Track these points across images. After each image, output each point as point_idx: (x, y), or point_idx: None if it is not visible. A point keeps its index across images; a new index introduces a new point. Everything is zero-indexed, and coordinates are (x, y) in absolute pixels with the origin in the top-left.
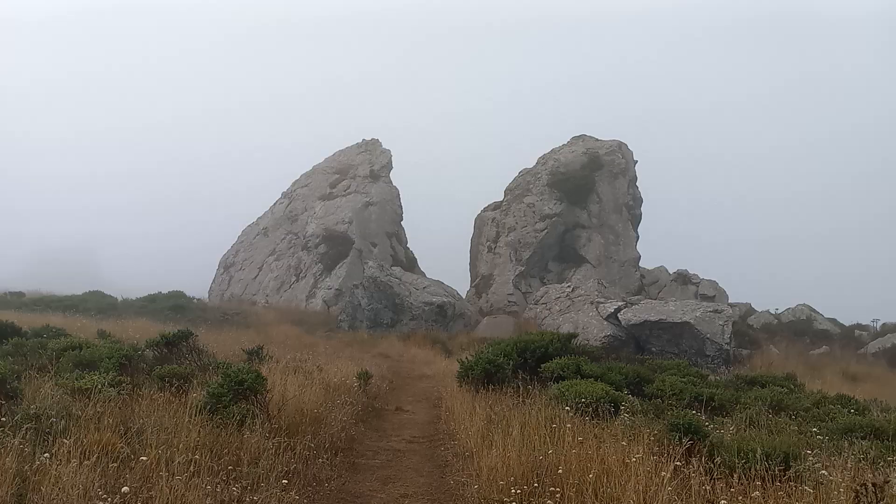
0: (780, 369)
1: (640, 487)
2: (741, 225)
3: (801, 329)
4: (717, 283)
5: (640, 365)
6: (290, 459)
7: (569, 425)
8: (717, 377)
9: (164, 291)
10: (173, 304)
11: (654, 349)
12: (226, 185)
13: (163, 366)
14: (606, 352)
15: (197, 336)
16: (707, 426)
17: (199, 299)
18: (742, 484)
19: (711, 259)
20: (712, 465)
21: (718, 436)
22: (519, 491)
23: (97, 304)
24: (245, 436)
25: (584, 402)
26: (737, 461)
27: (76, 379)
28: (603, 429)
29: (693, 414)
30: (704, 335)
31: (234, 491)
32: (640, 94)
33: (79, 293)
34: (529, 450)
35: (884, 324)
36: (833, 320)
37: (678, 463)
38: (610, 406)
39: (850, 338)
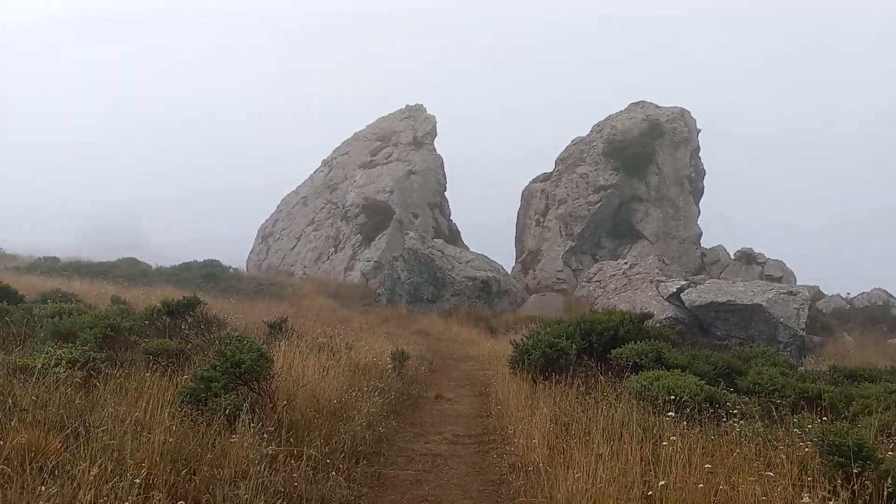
0: (857, 359)
1: None
2: (802, 203)
3: (877, 315)
4: (785, 264)
5: (726, 353)
6: (294, 472)
7: (673, 437)
8: (805, 368)
9: (201, 260)
10: (206, 272)
11: (719, 333)
12: (277, 147)
13: (154, 339)
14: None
15: (206, 304)
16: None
17: (234, 269)
18: None
19: (772, 239)
20: None
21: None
22: None
23: (128, 270)
24: (233, 439)
25: (674, 401)
26: None
27: (27, 355)
28: (717, 442)
29: (845, 426)
30: (777, 319)
31: None
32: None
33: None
34: (624, 475)
35: None
36: None
37: None
38: (708, 406)
39: None
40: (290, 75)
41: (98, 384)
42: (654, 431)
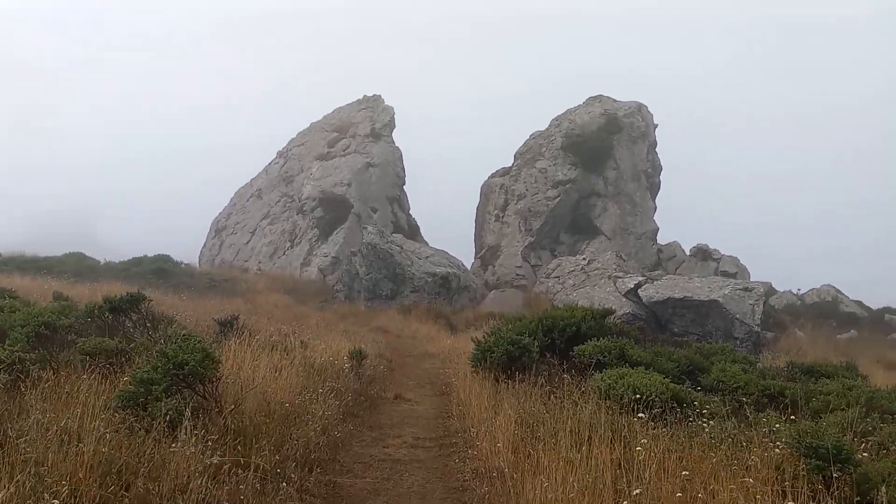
0: (809, 354)
1: None
2: (753, 201)
3: (827, 311)
4: (739, 260)
5: (688, 350)
6: (240, 484)
7: (644, 440)
8: (763, 364)
9: (152, 255)
10: (157, 267)
11: (675, 329)
12: (229, 139)
13: (91, 339)
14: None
15: (151, 301)
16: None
17: (186, 264)
18: None
19: (724, 235)
20: None
21: (874, 465)
22: None
23: (75, 266)
24: (173, 448)
25: (640, 400)
26: None
27: None
28: (688, 445)
29: (821, 427)
30: (733, 315)
31: None
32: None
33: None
34: (595, 482)
35: None
36: (859, 303)
37: None
38: (674, 405)
39: (878, 322)
40: (246, 64)
41: (26, 388)
42: (624, 434)
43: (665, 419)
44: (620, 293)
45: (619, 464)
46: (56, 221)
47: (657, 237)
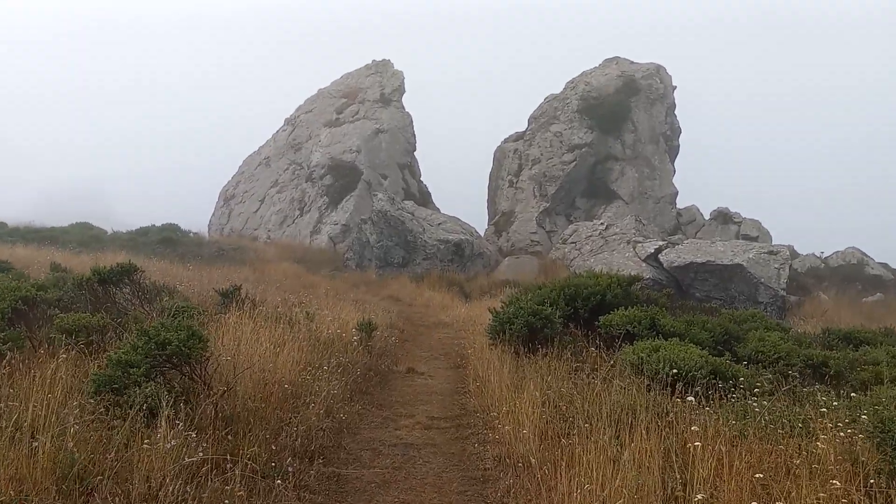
0: (835, 318)
1: None
2: (776, 167)
3: (852, 274)
4: (761, 223)
5: (721, 317)
6: (226, 485)
7: (695, 427)
8: (796, 331)
9: (159, 224)
10: (164, 237)
11: (698, 295)
12: (234, 111)
13: (72, 314)
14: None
15: (143, 272)
16: None
17: (195, 233)
18: None
19: (746, 200)
20: None
21: None
22: None
23: (80, 236)
24: (144, 444)
25: (678, 375)
26: None
27: None
28: (743, 431)
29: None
30: (758, 279)
31: None
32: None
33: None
34: (644, 481)
35: None
36: (885, 265)
37: None
38: (715, 381)
39: None
40: (254, 30)
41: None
42: (670, 418)
43: (707, 397)
44: (640, 258)
45: (668, 456)
46: (68, 197)
47: (676, 201)
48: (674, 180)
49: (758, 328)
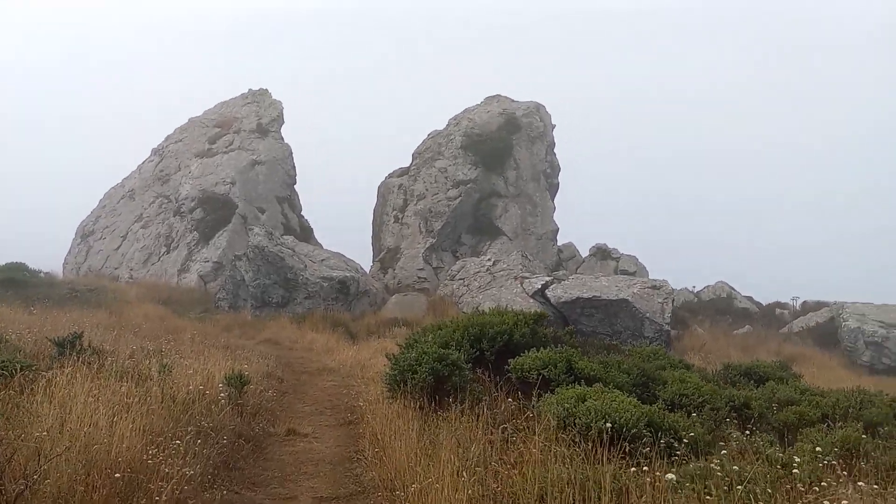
0: (713, 351)
1: None
2: (635, 199)
3: (722, 308)
4: (637, 259)
5: (633, 357)
6: None
7: None
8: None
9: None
10: (6, 277)
11: (584, 329)
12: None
13: None
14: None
15: None
16: None
17: (46, 273)
18: None
19: (614, 235)
20: None
21: None
22: None
23: None
24: None
25: (612, 430)
26: None
27: None
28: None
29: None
30: (643, 314)
31: None
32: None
33: None
34: None
35: (804, 302)
36: (750, 298)
37: None
38: (649, 434)
39: (771, 316)
40: (120, 63)
41: None
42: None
43: (646, 455)
44: (528, 294)
45: None
46: None
47: (557, 237)
48: (554, 217)
49: (665, 367)
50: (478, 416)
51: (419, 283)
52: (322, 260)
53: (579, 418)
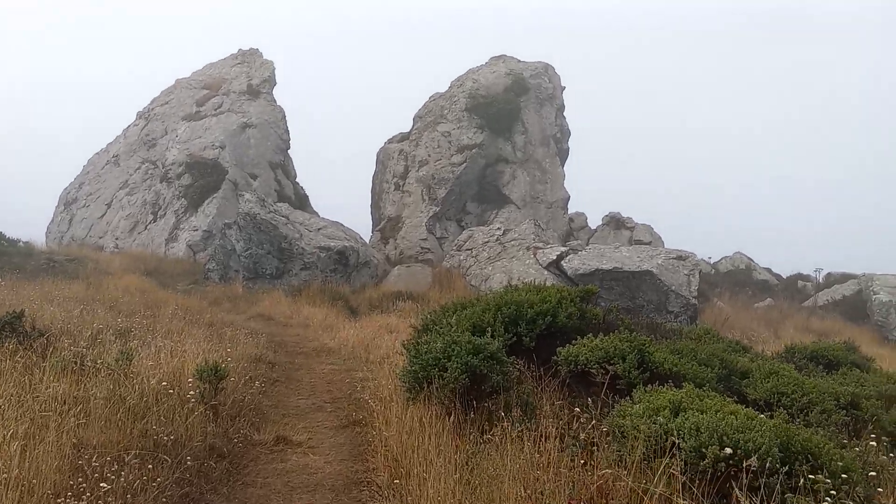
0: (737, 325)
1: None
2: (650, 168)
3: (741, 280)
4: (653, 228)
5: (685, 340)
6: None
7: None
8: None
9: None
10: None
11: (603, 304)
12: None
13: None
14: None
15: None
16: None
17: (25, 242)
18: None
19: (629, 204)
20: None
21: None
22: None
23: None
24: None
25: (734, 461)
26: None
27: None
28: None
29: None
30: (668, 287)
31: None
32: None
33: None
34: None
35: (828, 274)
36: (769, 270)
37: None
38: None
39: (792, 289)
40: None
41: None
42: None
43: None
44: (542, 266)
45: None
46: None
47: (568, 206)
48: (565, 184)
49: (725, 351)
50: (541, 435)
51: (422, 254)
52: (319, 229)
53: (685, 440)
